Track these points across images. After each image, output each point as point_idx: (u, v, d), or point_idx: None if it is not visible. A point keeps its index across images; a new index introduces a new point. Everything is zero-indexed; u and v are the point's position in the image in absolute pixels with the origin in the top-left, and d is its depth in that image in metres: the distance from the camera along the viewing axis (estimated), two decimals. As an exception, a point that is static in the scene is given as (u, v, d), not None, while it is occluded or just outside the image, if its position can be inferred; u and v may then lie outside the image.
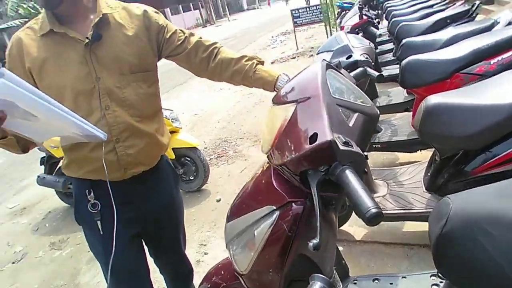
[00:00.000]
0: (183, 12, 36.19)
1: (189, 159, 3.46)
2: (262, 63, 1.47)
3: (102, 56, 1.25)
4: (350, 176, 0.77)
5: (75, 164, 1.33)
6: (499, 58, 2.14)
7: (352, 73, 1.52)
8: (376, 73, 1.62)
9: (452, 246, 0.83)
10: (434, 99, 1.72)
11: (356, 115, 0.96)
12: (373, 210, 0.70)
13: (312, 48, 9.93)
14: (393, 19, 4.82)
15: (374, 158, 3.20)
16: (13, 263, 3.26)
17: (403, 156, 3.10)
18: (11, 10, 18.39)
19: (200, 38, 1.47)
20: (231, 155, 4.30)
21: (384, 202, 2.08)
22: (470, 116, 1.60)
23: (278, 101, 1.05)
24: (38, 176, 3.60)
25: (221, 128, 5.31)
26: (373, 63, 1.81)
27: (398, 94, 3.39)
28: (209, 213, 3.20)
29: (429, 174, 2.03)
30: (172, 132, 3.38)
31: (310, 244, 0.78)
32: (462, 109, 1.62)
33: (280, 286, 1.01)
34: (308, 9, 9.88)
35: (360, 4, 3.48)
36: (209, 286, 1.35)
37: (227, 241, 1.12)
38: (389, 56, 4.69)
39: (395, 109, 3.42)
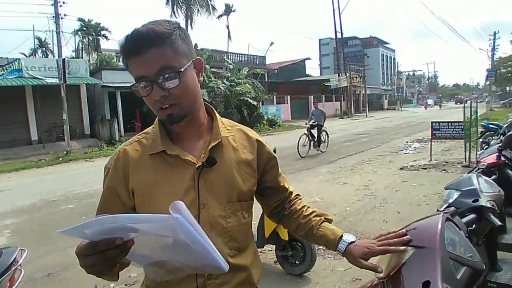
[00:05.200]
0: (325, 101, 38.07)
1: (300, 244, 3.69)
2: (329, 221, 1.36)
3: (212, 182, 1.15)
4: None
5: None
6: None
7: (465, 219, 1.65)
8: (499, 223, 1.74)
9: None
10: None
11: (464, 268, 1.11)
12: None
13: (446, 162, 9.59)
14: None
15: (490, 298, 2.99)
16: (126, 285, 3.77)
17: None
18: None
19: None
20: (339, 250, 4.37)
21: None
22: None
23: None
24: None
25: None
26: (498, 211, 1.90)
27: (530, 235, 3.18)
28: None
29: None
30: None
31: None
32: None
33: None
34: (449, 124, 9.73)
35: (500, 146, 3.48)
36: None
37: None
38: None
39: (524, 250, 3.21)
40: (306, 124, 13.27)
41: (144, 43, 1.02)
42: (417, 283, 1.03)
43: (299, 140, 12.10)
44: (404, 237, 1.17)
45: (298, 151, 11.83)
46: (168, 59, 1.04)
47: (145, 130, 1.24)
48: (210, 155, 1.14)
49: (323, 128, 12.91)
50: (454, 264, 1.11)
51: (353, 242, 1.25)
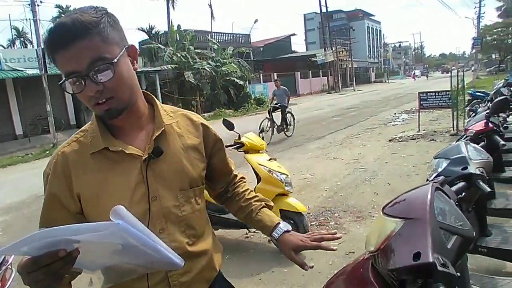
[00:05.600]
0: (312, 77, 37.90)
1: (292, 222, 3.68)
2: (270, 207, 1.40)
3: (161, 172, 1.11)
4: None
5: None
6: None
7: (454, 187, 1.63)
8: (488, 189, 1.75)
9: None
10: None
11: (454, 237, 1.10)
12: None
13: (434, 132, 9.65)
14: (528, 121, 4.62)
15: (479, 261, 3.03)
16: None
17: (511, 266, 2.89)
18: (167, 56, 21.55)
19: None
20: (331, 225, 4.40)
21: (477, 311, 2.01)
22: None
23: (388, 211, 1.23)
24: None
25: (327, 197, 5.45)
26: (487, 178, 1.89)
27: (518, 198, 3.21)
28: (300, 277, 3.33)
29: (534, 294, 1.93)
30: (282, 194, 3.69)
31: None
32: None
33: None
34: (437, 94, 9.78)
35: (487, 113, 3.48)
36: None
37: None
38: (515, 156, 4.44)
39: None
40: (268, 106, 12.06)
41: (69, 36, 0.94)
42: (407, 254, 1.01)
43: (260, 124, 10.49)
44: (336, 235, 1.24)
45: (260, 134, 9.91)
46: (99, 50, 0.96)
47: (82, 128, 1.17)
48: (155, 145, 1.11)
49: (287, 109, 11.54)
50: (444, 233, 1.09)
51: (289, 231, 1.29)
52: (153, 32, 32.18)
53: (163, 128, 1.14)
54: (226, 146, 4.72)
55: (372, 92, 31.96)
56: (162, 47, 22.94)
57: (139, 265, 0.90)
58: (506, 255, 2.73)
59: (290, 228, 1.30)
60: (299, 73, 35.64)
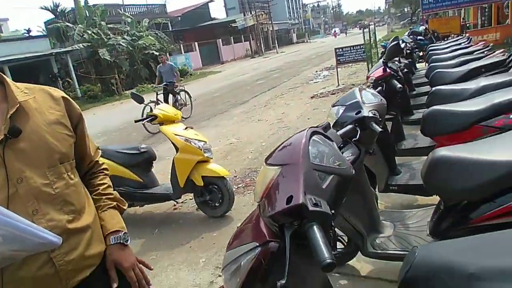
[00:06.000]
0: (234, 43, 37.52)
1: (216, 187, 3.68)
2: (121, 210, 1.36)
3: (23, 152, 1.04)
4: (315, 231, 0.95)
5: None
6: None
7: (341, 132, 1.70)
8: (379, 129, 1.88)
9: None
10: (440, 152, 1.82)
11: (331, 177, 1.13)
12: (328, 261, 0.87)
13: (353, 85, 10.06)
14: (431, 64, 4.97)
15: (394, 199, 3.26)
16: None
17: (422, 199, 3.14)
18: (77, 35, 20.00)
19: (98, 148, 1.41)
20: (258, 185, 4.46)
21: (387, 242, 2.18)
22: (473, 170, 1.67)
23: (269, 161, 1.23)
24: None
25: (253, 158, 5.53)
26: (380, 119, 1.99)
27: (424, 138, 3.46)
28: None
29: (433, 220, 2.11)
30: (203, 161, 3.65)
31: (278, 284, 0.94)
32: (466, 163, 1.69)
33: None
34: (352, 48, 10.13)
35: (384, 59, 3.65)
36: None
37: (223, 268, 1.31)
38: (424, 99, 4.77)
39: (419, 153, 3.53)
40: (153, 87, 10.34)
41: None
42: (282, 199, 1.03)
43: (142, 112, 8.21)
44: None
45: (145, 126, 8.15)
46: None
47: None
48: (11, 124, 1.03)
49: (180, 88, 9.98)
50: (320, 175, 1.12)
51: (124, 245, 1.26)
52: (58, 10, 29.62)
53: (18, 105, 1.06)
54: (139, 120, 4.57)
55: (295, 53, 32.47)
56: (71, 25, 21.20)
57: (17, 250, 0.85)
58: (414, 189, 2.97)
59: (127, 243, 1.27)
60: (220, 40, 35.09)
